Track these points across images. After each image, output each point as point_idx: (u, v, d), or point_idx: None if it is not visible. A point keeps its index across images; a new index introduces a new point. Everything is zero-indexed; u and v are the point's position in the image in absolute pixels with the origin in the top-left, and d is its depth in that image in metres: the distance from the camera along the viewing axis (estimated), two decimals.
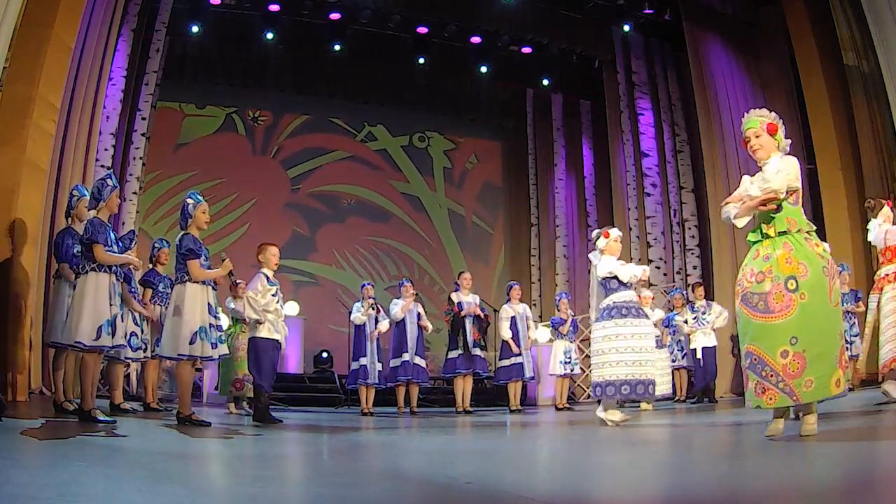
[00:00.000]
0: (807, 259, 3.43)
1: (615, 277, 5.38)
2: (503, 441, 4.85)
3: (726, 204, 3.72)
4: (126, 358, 6.06)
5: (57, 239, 5.58)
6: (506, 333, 8.30)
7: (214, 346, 5.03)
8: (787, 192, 3.49)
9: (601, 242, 5.56)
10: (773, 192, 3.46)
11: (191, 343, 4.89)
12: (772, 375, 3.38)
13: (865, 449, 3.23)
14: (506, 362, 8.29)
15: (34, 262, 6.31)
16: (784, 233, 3.51)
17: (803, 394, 3.32)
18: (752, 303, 3.48)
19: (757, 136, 3.63)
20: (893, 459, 2.83)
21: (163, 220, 11.59)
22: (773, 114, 3.66)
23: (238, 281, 5.63)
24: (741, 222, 3.69)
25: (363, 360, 7.69)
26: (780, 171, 3.49)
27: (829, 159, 9.09)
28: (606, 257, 5.48)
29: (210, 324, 5.01)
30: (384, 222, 13.41)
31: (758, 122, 3.64)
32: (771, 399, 3.38)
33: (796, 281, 3.40)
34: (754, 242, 3.61)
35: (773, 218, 3.55)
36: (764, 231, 3.57)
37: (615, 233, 5.63)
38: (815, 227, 3.55)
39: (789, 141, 3.68)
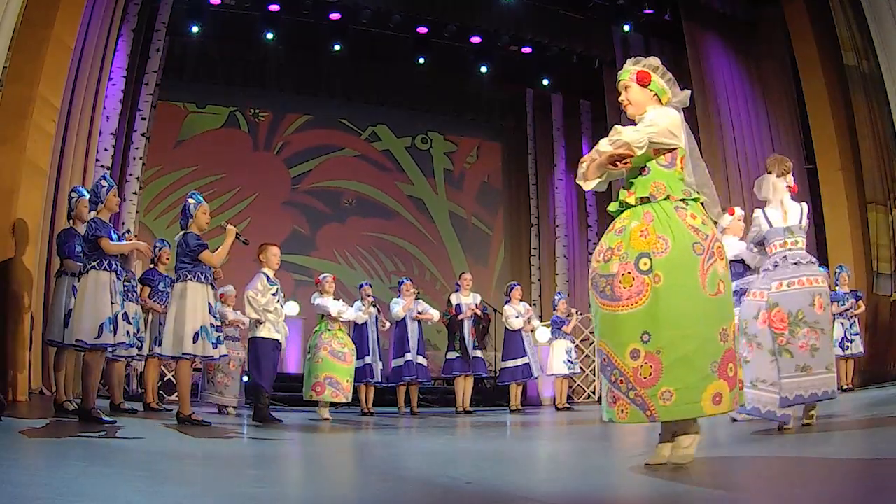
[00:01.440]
0: (670, 232, 2.68)
1: (741, 261, 5.11)
2: (503, 441, 4.85)
3: (581, 163, 3.01)
4: (118, 356, 6.05)
5: (58, 239, 5.60)
6: (517, 323, 8.28)
7: (215, 346, 5.05)
8: (658, 151, 2.81)
9: (725, 220, 5.19)
10: (623, 144, 2.73)
11: (193, 342, 4.90)
12: (621, 381, 2.63)
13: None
14: (511, 363, 8.27)
15: (34, 261, 6.31)
16: (647, 200, 2.79)
17: (660, 409, 2.54)
18: (599, 287, 2.77)
19: (626, 89, 2.95)
20: None
21: (163, 215, 11.59)
22: (652, 60, 2.97)
23: (248, 240, 5.50)
24: (589, 185, 2.97)
25: (367, 360, 7.69)
26: (644, 121, 2.81)
27: (829, 159, 9.09)
28: (729, 237, 5.07)
29: (210, 323, 5.02)
30: (386, 220, 13.40)
31: (627, 73, 2.95)
32: (623, 412, 2.63)
33: (650, 259, 2.65)
34: (616, 214, 2.92)
35: (636, 183, 2.86)
36: (622, 199, 2.88)
37: (739, 211, 5.34)
38: (698, 197, 2.84)
39: (686, 93, 2.95)
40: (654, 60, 2.95)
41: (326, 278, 7.27)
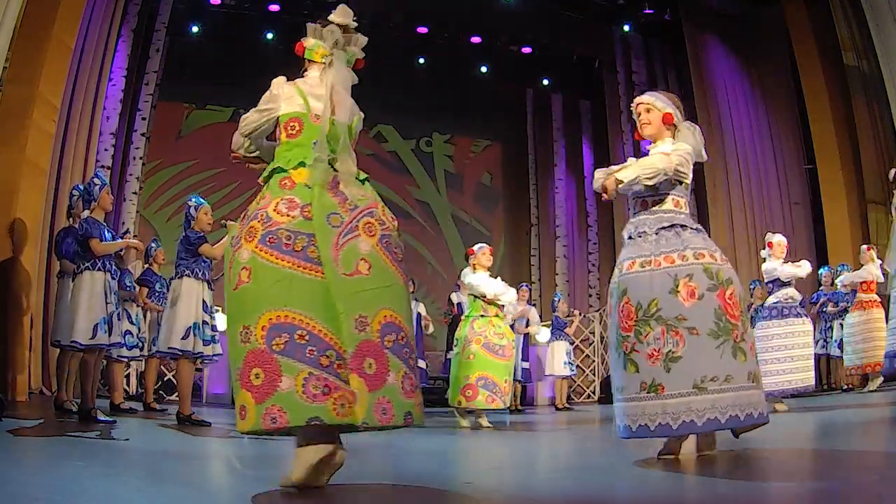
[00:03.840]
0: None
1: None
2: (503, 441, 4.85)
3: None
4: (120, 357, 6.06)
5: (57, 237, 5.60)
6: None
7: (207, 343, 5.02)
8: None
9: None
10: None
11: (183, 338, 4.87)
12: None
13: None
14: None
15: (34, 262, 6.31)
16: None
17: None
18: None
19: None
20: None
21: (163, 209, 11.60)
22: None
23: None
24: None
25: None
26: None
27: (829, 159, 9.11)
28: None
29: (204, 321, 5.01)
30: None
31: None
32: None
33: None
34: None
35: None
36: None
37: (779, 238, 5.64)
38: (283, 167, 2.36)
39: (340, 10, 2.57)
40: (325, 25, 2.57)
41: (483, 249, 5.81)
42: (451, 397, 5.69)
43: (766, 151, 10.38)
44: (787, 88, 10.34)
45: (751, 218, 10.13)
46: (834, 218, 8.98)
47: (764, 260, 6.11)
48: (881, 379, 7.14)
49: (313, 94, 2.53)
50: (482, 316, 5.57)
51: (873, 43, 7.86)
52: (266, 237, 2.21)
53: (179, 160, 11.97)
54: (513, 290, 5.78)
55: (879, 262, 7.06)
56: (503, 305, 5.70)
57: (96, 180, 4.97)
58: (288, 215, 2.24)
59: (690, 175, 3.00)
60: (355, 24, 2.58)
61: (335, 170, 2.37)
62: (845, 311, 7.69)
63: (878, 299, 7.07)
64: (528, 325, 8.46)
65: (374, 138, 13.74)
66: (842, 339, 7.52)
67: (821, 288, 8.33)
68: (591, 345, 11.05)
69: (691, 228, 2.94)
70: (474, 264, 5.69)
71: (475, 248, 5.86)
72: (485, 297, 5.57)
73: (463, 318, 5.78)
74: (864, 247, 7.23)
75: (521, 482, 2.67)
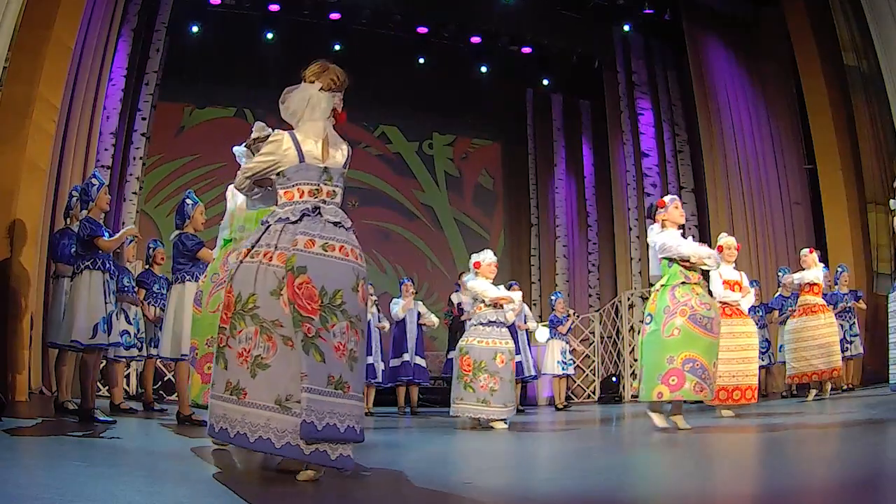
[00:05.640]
0: None
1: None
2: (503, 441, 4.85)
3: None
4: (117, 356, 6.06)
5: (53, 239, 5.60)
6: (510, 317, 8.23)
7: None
8: None
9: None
10: None
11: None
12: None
13: None
14: None
15: (34, 262, 6.31)
16: None
17: None
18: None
19: None
20: None
21: (164, 203, 11.60)
22: None
23: None
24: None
25: (368, 359, 7.69)
26: None
27: (829, 159, 9.10)
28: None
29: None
30: (389, 213, 13.41)
31: None
32: None
33: None
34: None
35: None
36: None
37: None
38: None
39: None
40: None
41: (675, 200, 5.13)
42: (644, 392, 4.51)
43: (766, 151, 10.38)
44: (787, 88, 10.34)
45: (751, 218, 10.12)
46: (834, 218, 8.98)
47: (894, 211, 5.12)
48: (829, 386, 6.95)
49: (237, 193, 3.65)
50: (683, 283, 4.52)
51: (873, 43, 7.86)
52: (194, 295, 3.94)
53: (180, 155, 11.97)
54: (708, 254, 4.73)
55: (822, 265, 7.06)
56: (706, 270, 4.84)
57: (94, 180, 4.97)
58: (201, 281, 3.91)
59: (267, 166, 2.86)
60: (268, 131, 3.43)
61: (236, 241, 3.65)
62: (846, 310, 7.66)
63: (824, 303, 6.97)
64: (525, 321, 8.46)
65: (378, 139, 13.75)
66: (842, 339, 7.40)
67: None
68: (591, 345, 11.05)
69: (276, 221, 2.72)
70: (663, 220, 4.92)
71: (666, 198, 5.10)
72: (686, 259, 4.61)
73: (658, 288, 4.69)
74: (806, 250, 7.06)
75: (520, 482, 2.68)
